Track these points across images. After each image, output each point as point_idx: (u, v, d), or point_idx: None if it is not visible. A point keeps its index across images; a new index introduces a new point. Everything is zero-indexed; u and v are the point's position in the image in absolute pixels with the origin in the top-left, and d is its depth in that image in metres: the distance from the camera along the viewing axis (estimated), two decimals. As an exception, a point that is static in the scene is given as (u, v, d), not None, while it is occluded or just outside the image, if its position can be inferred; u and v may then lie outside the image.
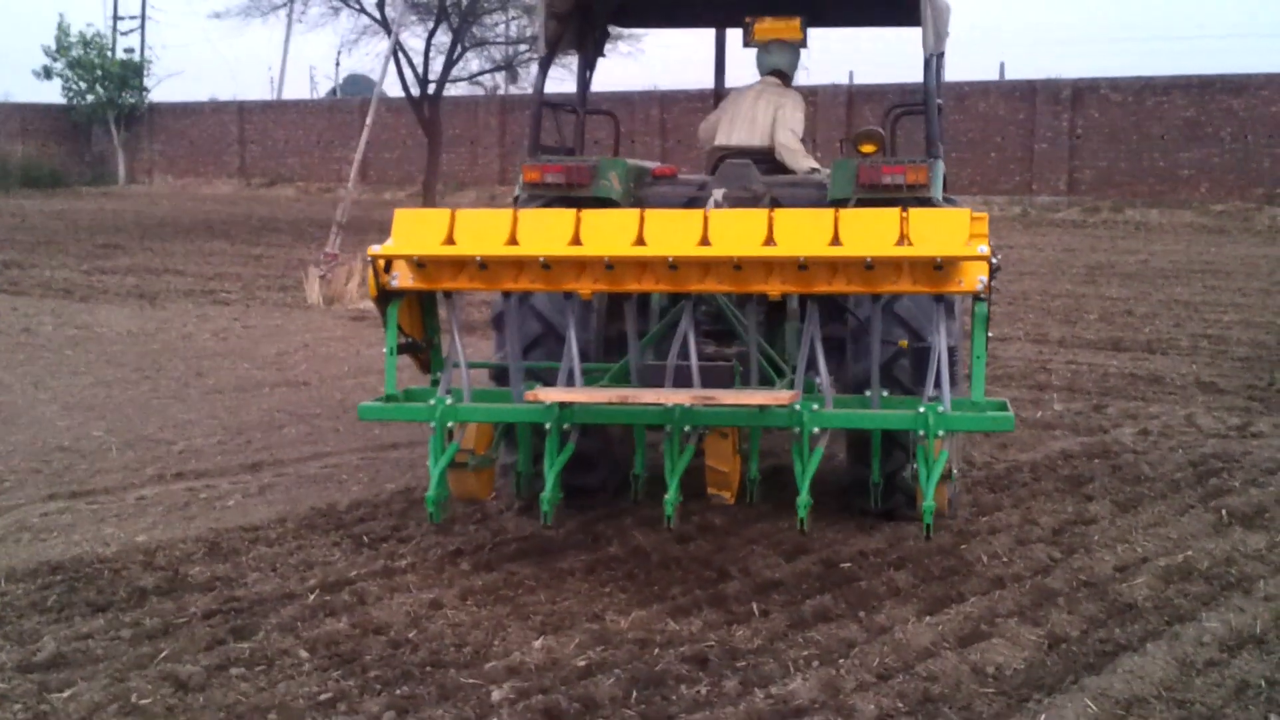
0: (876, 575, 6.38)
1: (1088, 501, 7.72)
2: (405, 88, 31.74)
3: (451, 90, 34.33)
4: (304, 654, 5.36)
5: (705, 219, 5.98)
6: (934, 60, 7.72)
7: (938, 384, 5.97)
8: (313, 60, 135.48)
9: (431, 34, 31.47)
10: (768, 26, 8.31)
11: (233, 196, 46.59)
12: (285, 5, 33.73)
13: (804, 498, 5.93)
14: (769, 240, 5.86)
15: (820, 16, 8.65)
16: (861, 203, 6.85)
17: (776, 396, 6.06)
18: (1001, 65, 53.88)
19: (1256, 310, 16.04)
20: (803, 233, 5.85)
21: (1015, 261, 22.33)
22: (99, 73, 51.64)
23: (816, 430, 6.06)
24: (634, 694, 4.98)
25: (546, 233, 6.07)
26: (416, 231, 6.20)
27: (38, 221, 32.40)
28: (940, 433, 5.87)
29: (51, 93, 56.97)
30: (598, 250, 5.95)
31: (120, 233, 29.28)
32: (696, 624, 5.74)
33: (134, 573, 6.31)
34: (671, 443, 6.06)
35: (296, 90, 65.17)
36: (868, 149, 7.69)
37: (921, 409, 5.92)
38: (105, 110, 51.77)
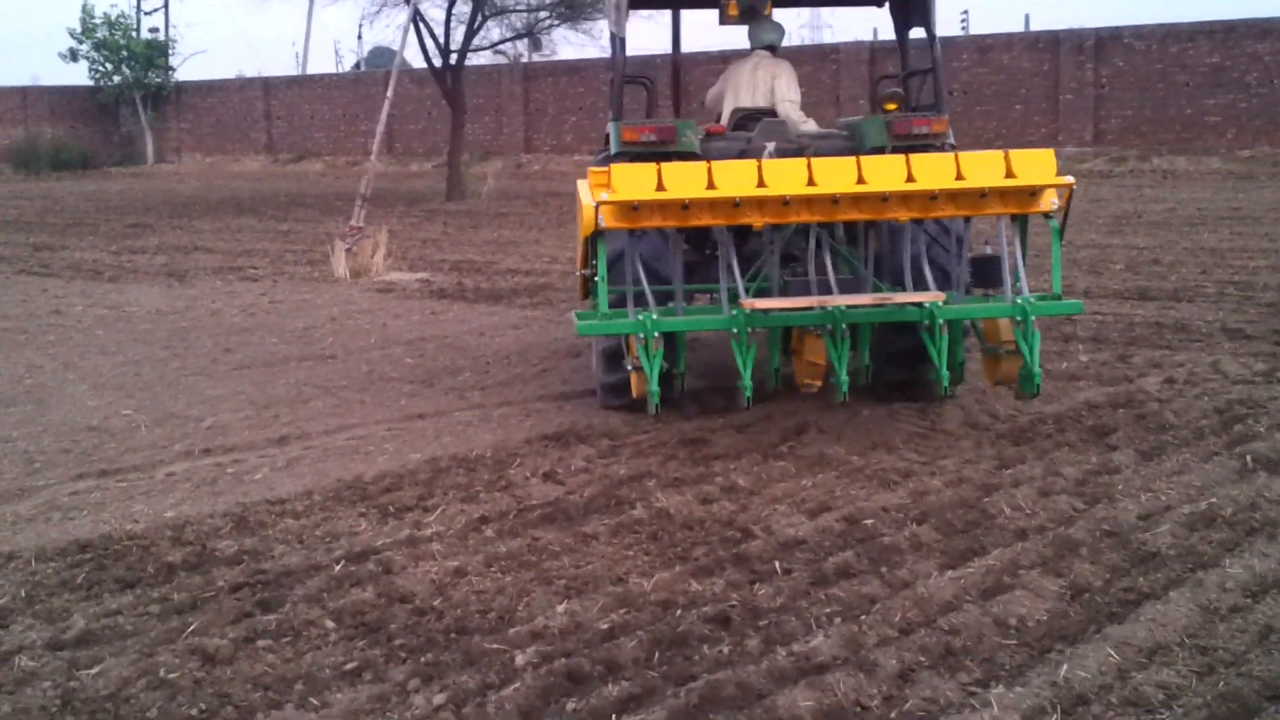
0: (899, 530, 6.39)
1: (1111, 451, 7.70)
2: (427, 58, 31.73)
3: (474, 60, 34.27)
4: (330, 624, 5.41)
5: (858, 164, 7.62)
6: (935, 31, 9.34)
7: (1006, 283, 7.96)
8: (336, 34, 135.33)
9: (452, 3, 31.42)
10: (729, 5, 9.74)
11: (260, 173, 46.74)
12: (305, -21, 33.71)
13: (944, 373, 7.64)
14: (910, 178, 7.55)
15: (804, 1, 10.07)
16: (896, 149, 8.44)
17: (928, 296, 7.70)
18: (1026, 17, 53.51)
19: (1285, 255, 15.92)
20: (934, 170, 7.58)
21: (1042, 213, 22.23)
22: (125, 53, 51.79)
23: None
24: (656, 655, 5.02)
25: (735, 179, 7.53)
26: (632, 181, 7.48)
27: (68, 203, 32.61)
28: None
29: (78, 75, 57.40)
30: (779, 191, 7.48)
31: (149, 212, 29.43)
32: (719, 584, 5.77)
33: (162, 549, 6.38)
34: (836, 338, 7.62)
35: (321, 65, 65.42)
36: (891, 106, 9.41)
37: (1019, 300, 7.70)
38: (132, 91, 51.94)
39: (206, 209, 30.18)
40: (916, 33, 9.84)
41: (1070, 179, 7.72)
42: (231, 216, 27.85)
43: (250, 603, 5.66)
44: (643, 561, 6.10)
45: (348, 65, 64.17)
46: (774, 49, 10.12)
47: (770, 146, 8.82)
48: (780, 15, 10.23)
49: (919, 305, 7.70)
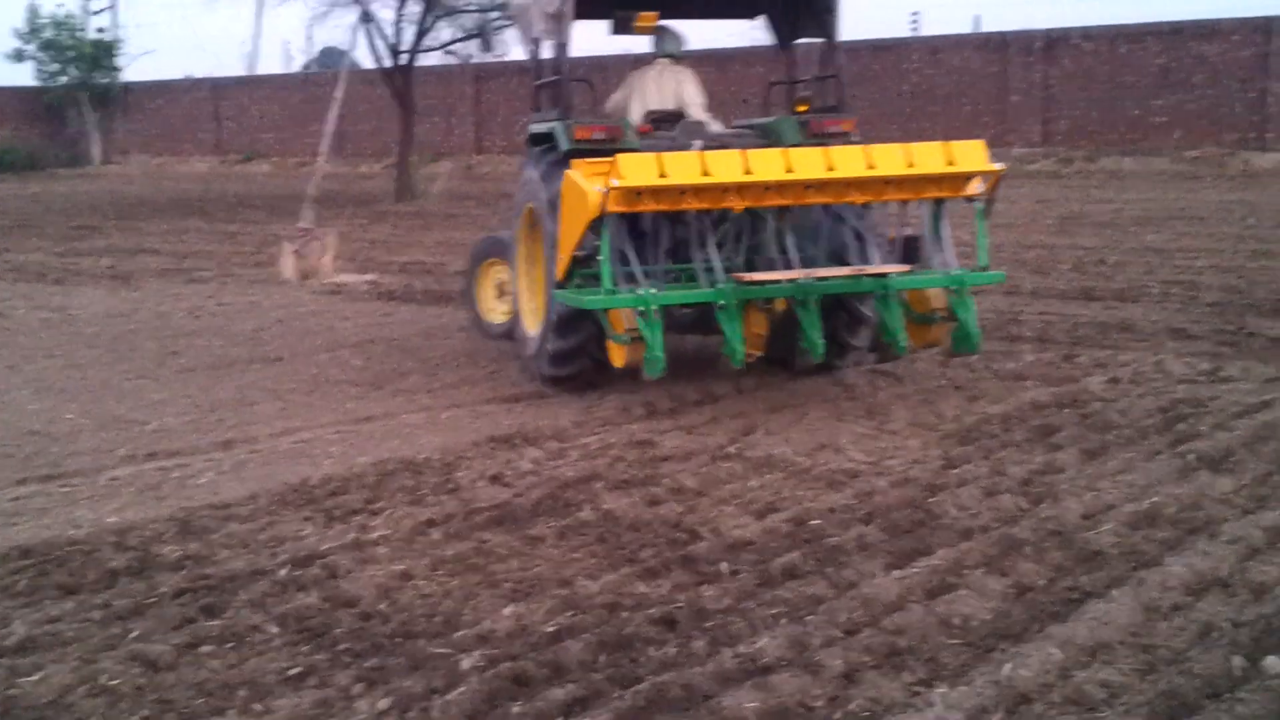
0: (845, 531, 6.41)
1: (1056, 451, 7.76)
2: (377, 59, 31.61)
3: (424, 60, 34.12)
4: (274, 629, 5.38)
5: (826, 154, 8.56)
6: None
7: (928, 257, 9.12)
8: (286, 34, 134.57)
9: (402, 4, 31.28)
10: (634, 17, 10.35)
11: (208, 174, 46.45)
12: (254, -21, 33.50)
13: (901, 333, 8.81)
14: (870, 165, 8.53)
15: (676, 11, 10.95)
16: (811, 143, 9.53)
17: (893, 268, 8.93)
18: (976, 18, 53.94)
19: (1228, 255, 16.07)
20: (890, 159, 8.58)
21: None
22: (71, 54, 51.29)
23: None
24: (602, 657, 5.02)
25: (726, 168, 8.36)
26: (638, 170, 8.19)
27: (12, 205, 32.28)
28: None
29: (24, 75, 56.63)
30: (764, 177, 8.40)
31: (95, 214, 29.19)
32: (666, 586, 5.77)
33: (105, 554, 6.32)
34: (807, 308, 8.64)
35: (270, 65, 64.94)
36: (802, 108, 10.47)
37: (955, 272, 8.87)
38: (79, 91, 51.46)
39: (153, 210, 29.95)
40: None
41: (1001, 165, 8.94)
42: (178, 218, 27.64)
43: (193, 608, 5.61)
44: (590, 564, 6.09)
45: (297, 66, 63.76)
46: (675, 57, 10.89)
47: (697, 144, 9.61)
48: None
49: (884, 275, 8.82)
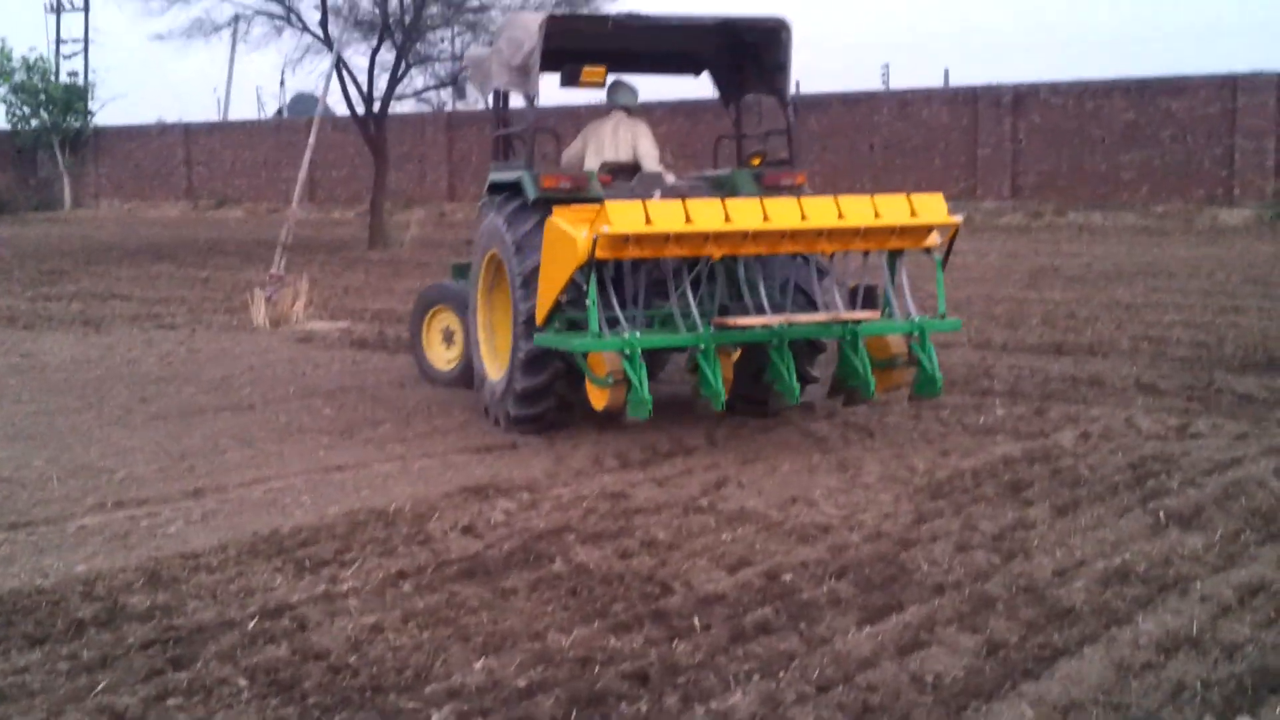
0: (817, 586, 6.40)
1: (1027, 506, 7.78)
2: (350, 106, 31.64)
3: (397, 108, 34.22)
4: (243, 682, 5.33)
5: (799, 204, 8.98)
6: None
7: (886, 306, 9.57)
8: (259, 80, 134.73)
9: (375, 51, 31.37)
10: (584, 71, 10.82)
11: (180, 219, 46.37)
12: (228, 25, 33.53)
13: (870, 379, 9.14)
14: (840, 216, 8.98)
15: (624, 65, 11.50)
16: (764, 195, 9.72)
17: (865, 315, 9.34)
18: (946, 72, 54.43)
19: (1197, 311, 16.19)
20: (859, 210, 9.00)
21: (959, 267, 22.46)
22: (43, 97, 51.26)
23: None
24: (574, 713, 4.99)
25: (708, 217, 8.73)
26: (626, 217, 8.53)
27: (-19, 249, 32.13)
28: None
29: (-5, 118, 56.55)
30: (744, 226, 8.75)
31: (65, 258, 29.08)
32: (638, 640, 5.75)
33: (72, 604, 6.26)
34: (781, 350, 9.08)
35: (243, 110, 64.98)
36: (756, 161, 10.94)
37: (916, 319, 9.32)
38: (50, 135, 51.39)
39: (124, 255, 29.85)
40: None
41: (959, 218, 9.53)
42: (150, 263, 27.56)
43: (161, 660, 5.56)
44: (561, 617, 6.07)
45: (270, 111, 63.80)
46: (629, 109, 11.29)
47: (656, 194, 10.09)
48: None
49: (857, 322, 9.26)
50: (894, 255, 9.53)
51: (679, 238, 8.73)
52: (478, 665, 5.47)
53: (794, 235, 9.01)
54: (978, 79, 41.86)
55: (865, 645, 5.61)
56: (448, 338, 12.30)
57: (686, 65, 12.00)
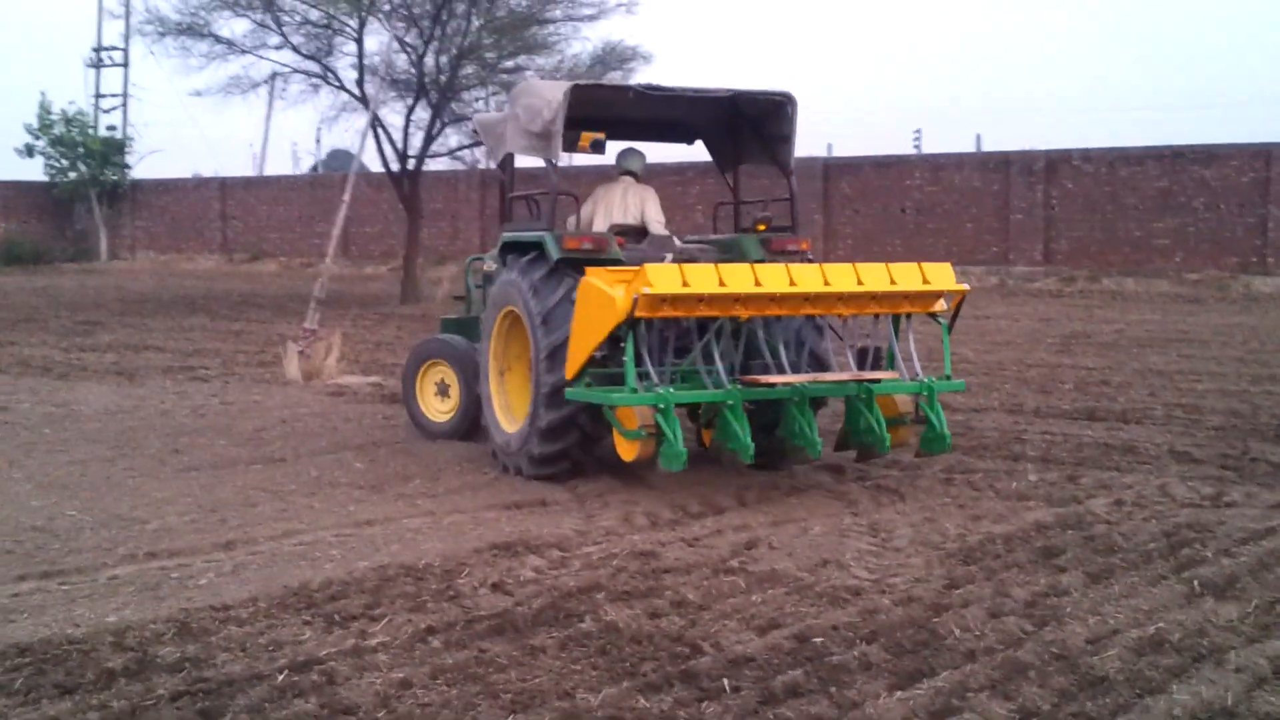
0: (848, 649, 6.37)
1: (1060, 573, 7.73)
2: (385, 163, 31.91)
3: (431, 165, 34.48)
4: (271, 736, 5.33)
5: (822, 270, 9.61)
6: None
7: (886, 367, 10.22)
8: (295, 136, 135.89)
9: (411, 110, 31.68)
10: (582, 135, 11.16)
11: (214, 272, 46.69)
12: (265, 83, 33.91)
13: (885, 435, 9.66)
14: (859, 281, 9.60)
15: (621, 133, 12.17)
16: (772, 260, 10.50)
17: (883, 375, 9.98)
18: (978, 137, 54.55)
19: (1231, 379, 16.11)
20: (875, 276, 9.63)
21: (991, 332, 22.45)
22: (81, 150, 51.74)
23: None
24: (603, 773, 4.97)
25: (738, 280, 9.21)
26: (664, 279, 8.99)
27: (18, 299, 32.42)
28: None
29: (34, 170, 57.03)
30: (772, 289, 9.29)
31: (101, 309, 29.30)
32: (667, 701, 5.72)
33: (103, 654, 6.28)
34: (802, 406, 9.47)
35: (279, 166, 65.47)
36: (761, 227, 11.44)
37: (924, 379, 9.92)
38: (88, 187, 51.86)
39: (159, 307, 30.07)
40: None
41: (966, 286, 10.15)
42: (184, 315, 27.76)
43: (190, 711, 5.57)
44: (590, 676, 6.05)
45: (305, 167, 64.38)
46: (636, 175, 11.90)
47: (668, 256, 10.73)
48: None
49: (875, 381, 9.79)
50: (904, 319, 10.16)
51: (711, 299, 9.16)
52: (506, 723, 5.45)
53: (815, 299, 9.56)
54: (1010, 145, 41.96)
55: (896, 710, 5.57)
56: (443, 390, 12.60)
57: (689, 134, 12.58)
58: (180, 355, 20.01)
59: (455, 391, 12.39)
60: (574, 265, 10.21)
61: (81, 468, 10.99)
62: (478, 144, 33.52)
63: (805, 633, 6.61)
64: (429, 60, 31.07)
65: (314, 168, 60.82)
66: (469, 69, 31.91)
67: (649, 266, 9.10)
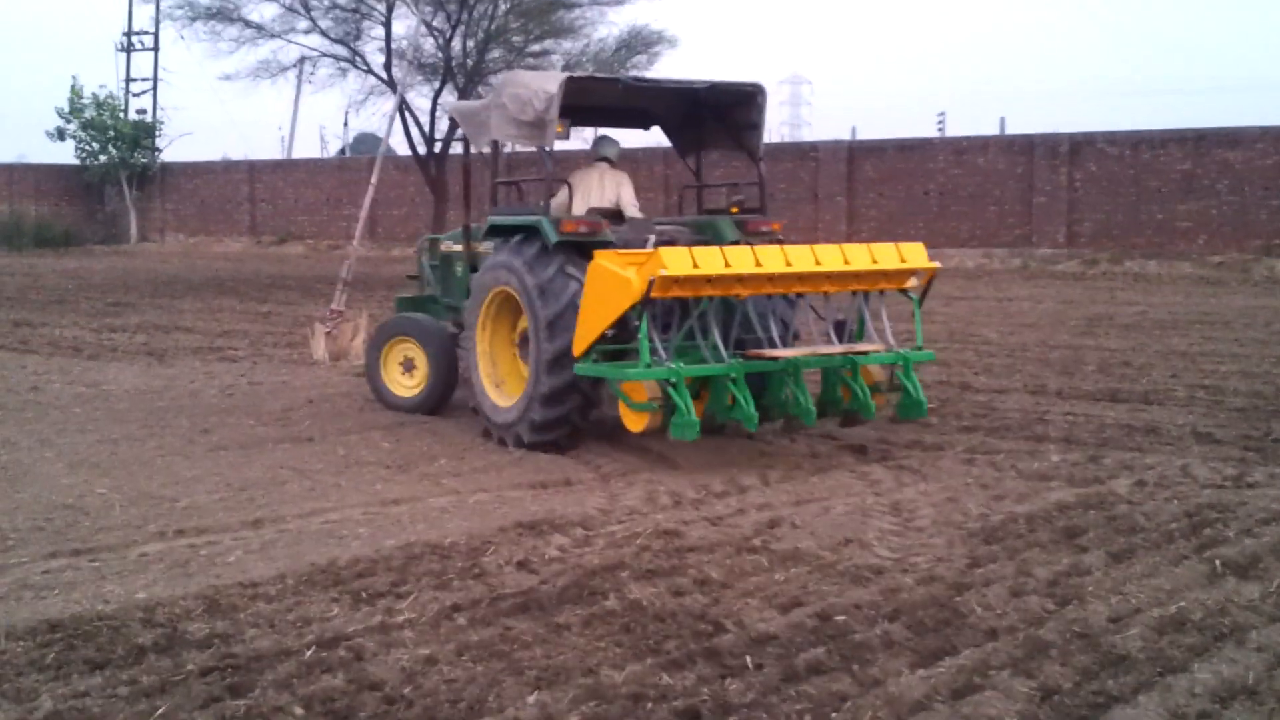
0: (870, 627, 6.42)
1: (1082, 553, 7.76)
2: (412, 146, 32.02)
3: (457, 148, 34.53)
4: (299, 711, 5.41)
5: (813, 251, 10.29)
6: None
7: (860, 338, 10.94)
8: (322, 119, 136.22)
9: (438, 93, 31.77)
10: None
11: (243, 254, 46.86)
12: (294, 67, 34.05)
13: (870, 402, 10.42)
14: (846, 261, 10.34)
15: (583, 119, 13.18)
16: (749, 243, 10.80)
17: (871, 346, 10.62)
18: (1002, 120, 54.30)
19: (1254, 361, 16.06)
20: (859, 256, 10.40)
21: (1014, 313, 22.41)
22: (111, 134, 51.88)
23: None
24: (626, 747, 5.02)
25: (741, 261, 9.86)
26: (677, 261, 9.52)
27: (50, 280, 32.62)
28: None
29: (65, 153, 57.23)
30: (771, 270, 9.97)
31: (130, 291, 29.46)
32: (690, 678, 5.78)
33: (133, 630, 6.36)
34: (797, 380, 10.15)
35: (306, 149, 65.73)
36: (735, 210, 11.99)
37: (902, 351, 10.62)
38: (118, 170, 52.04)
39: (188, 289, 30.23)
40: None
41: (937, 264, 10.95)
42: (213, 297, 27.90)
43: (219, 687, 5.65)
44: (614, 653, 6.11)
45: (333, 150, 64.48)
46: (611, 161, 12.42)
47: (651, 238, 11.18)
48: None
49: (864, 353, 10.48)
50: (878, 295, 10.90)
51: (718, 279, 9.80)
52: (530, 699, 5.52)
53: (806, 278, 10.26)
54: (1033, 128, 41.78)
55: (918, 688, 5.62)
56: (408, 367, 13.12)
57: (636, 120, 13.18)
58: (209, 336, 20.14)
59: (421, 367, 12.94)
60: (567, 246, 10.78)
61: (112, 446, 11.10)
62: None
63: (827, 611, 6.65)
64: (456, 44, 31.18)
65: (341, 151, 60.89)
66: (495, 53, 31.99)
67: (663, 250, 9.59)
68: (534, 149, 11.71)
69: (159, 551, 7.87)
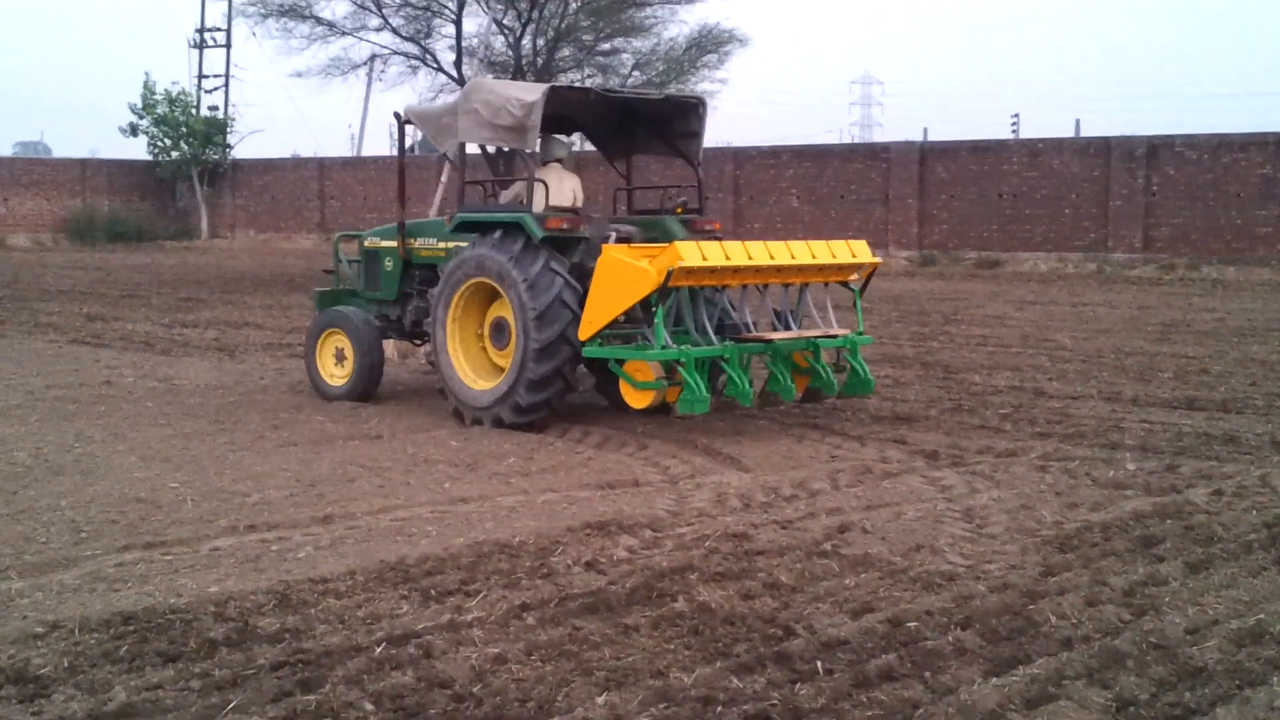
0: (942, 634, 6.34)
1: (1159, 562, 7.64)
2: (480, 145, 32.04)
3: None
4: (369, 707, 5.42)
5: (788, 246, 11.74)
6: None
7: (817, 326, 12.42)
8: (392, 117, 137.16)
9: (506, 92, 31.78)
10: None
11: (312, 251, 47.19)
12: (365, 64, 34.24)
13: (832, 379, 11.86)
14: (813, 256, 11.78)
15: (563, 128, 14.20)
16: (697, 238, 11.90)
17: (834, 331, 12.07)
18: (1077, 122, 53.67)
19: (1336, 369, 15.78)
20: (824, 251, 11.86)
21: (1089, 319, 22.16)
22: (184, 130, 52.51)
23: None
24: (696, 751, 4.99)
25: (741, 254, 11.23)
26: (691, 254, 10.78)
27: (121, 275, 33.04)
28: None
29: (138, 149, 58.01)
30: (760, 262, 11.34)
31: (202, 286, 29.77)
32: (760, 682, 5.74)
33: (205, 624, 6.41)
34: (778, 360, 11.62)
35: (376, 146, 66.15)
36: (679, 210, 13.01)
37: (850, 334, 12.07)
38: (189, 166, 52.66)
39: (258, 285, 30.50)
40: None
41: (879, 259, 12.59)
42: (282, 293, 28.12)
43: (290, 682, 5.67)
44: (683, 655, 6.08)
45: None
46: (564, 162, 13.32)
47: (613, 235, 12.22)
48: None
49: (831, 337, 11.95)
50: (820, 286, 12.34)
51: (716, 270, 11.04)
52: (600, 700, 5.50)
53: (783, 269, 11.60)
54: (1109, 130, 41.30)
55: (991, 697, 5.55)
56: (339, 358, 13.66)
57: (562, 127, 14.13)
58: (279, 332, 20.30)
59: (350, 358, 13.51)
60: (547, 242, 11.70)
61: (184, 441, 11.20)
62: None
63: (899, 617, 6.59)
64: (526, 42, 31.23)
65: (411, 148, 61.24)
66: (566, 51, 32.03)
67: (679, 244, 10.95)
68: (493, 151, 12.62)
69: (230, 546, 7.92)
